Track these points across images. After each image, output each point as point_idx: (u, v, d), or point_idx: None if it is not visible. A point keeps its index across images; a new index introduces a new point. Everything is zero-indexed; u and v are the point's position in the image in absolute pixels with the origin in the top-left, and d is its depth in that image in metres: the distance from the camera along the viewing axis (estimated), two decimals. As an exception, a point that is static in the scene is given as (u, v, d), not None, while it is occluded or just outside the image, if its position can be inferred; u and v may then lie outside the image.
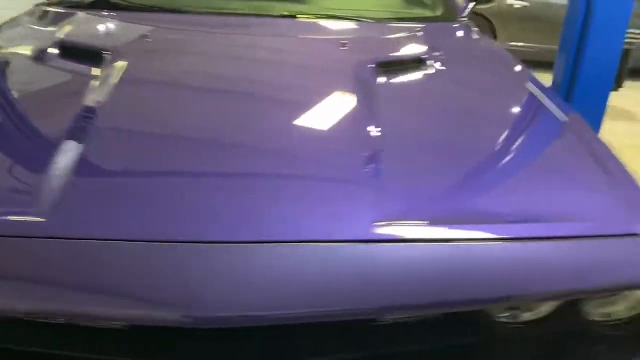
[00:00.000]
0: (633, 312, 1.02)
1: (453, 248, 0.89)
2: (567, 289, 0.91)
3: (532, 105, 1.39)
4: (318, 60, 1.55)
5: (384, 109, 1.21)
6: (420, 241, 0.88)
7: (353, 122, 1.15)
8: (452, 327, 0.96)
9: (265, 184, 0.96)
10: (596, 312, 1.01)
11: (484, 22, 6.98)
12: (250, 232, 0.85)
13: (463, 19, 2.08)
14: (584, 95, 2.56)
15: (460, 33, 1.90)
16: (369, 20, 1.86)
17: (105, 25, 1.71)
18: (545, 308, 1.01)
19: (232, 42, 1.63)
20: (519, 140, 1.19)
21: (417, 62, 1.47)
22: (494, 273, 0.88)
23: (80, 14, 1.76)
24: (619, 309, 1.02)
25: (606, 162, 1.12)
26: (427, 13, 2.12)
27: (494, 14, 7.03)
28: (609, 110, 2.70)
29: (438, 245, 0.89)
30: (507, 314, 1.00)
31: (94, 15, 1.74)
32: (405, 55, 1.55)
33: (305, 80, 1.41)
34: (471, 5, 2.41)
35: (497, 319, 0.99)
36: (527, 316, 1.01)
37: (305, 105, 1.23)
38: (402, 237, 0.87)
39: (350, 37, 1.69)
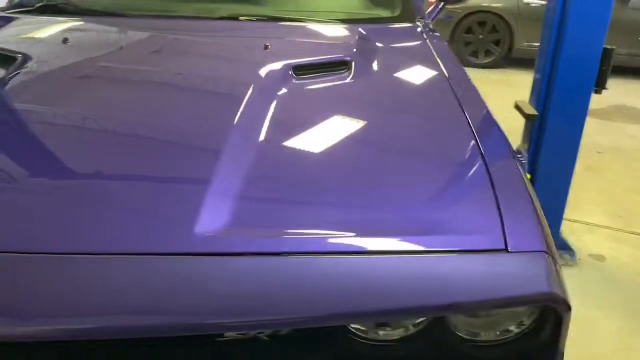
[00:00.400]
0: (504, 335, 0.97)
1: (286, 262, 0.85)
2: (421, 305, 0.86)
3: (436, 114, 1.33)
4: (230, 63, 1.53)
5: (274, 114, 1.18)
6: (253, 254, 0.85)
7: (223, 128, 1.11)
8: (311, 345, 0.92)
9: (95, 193, 0.95)
10: (465, 330, 0.96)
11: (501, 22, 6.84)
12: (70, 243, 0.84)
13: (421, 21, 2.03)
14: (563, 98, 2.46)
15: (404, 35, 1.85)
16: (314, 22, 1.84)
17: (31, 28, 1.74)
18: (413, 326, 0.96)
19: (155, 43, 1.63)
20: (398, 149, 1.15)
21: (334, 66, 1.44)
22: (332, 288, 0.84)
23: (24, 19, 1.81)
24: (489, 330, 0.97)
25: (497, 177, 1.05)
26: (384, 14, 2.07)
27: (511, 13, 6.86)
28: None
29: (270, 258, 0.85)
30: (379, 331, 0.96)
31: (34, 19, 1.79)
32: (324, 58, 1.51)
33: (201, 83, 1.39)
34: (440, 6, 2.35)
35: (362, 337, 0.94)
36: (393, 334, 0.97)
37: (184, 107, 1.21)
38: (230, 251, 0.84)
39: (277, 39, 1.67)
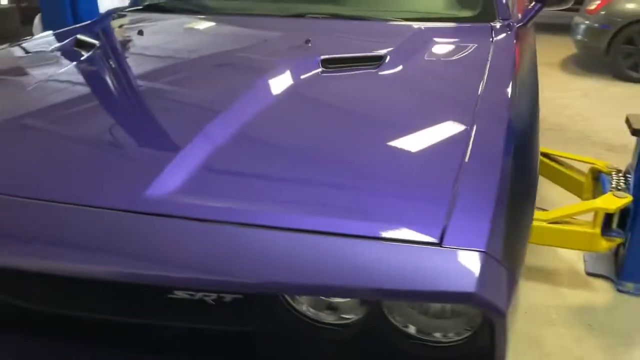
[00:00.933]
0: (446, 337, 0.94)
1: (224, 229, 0.91)
2: (340, 285, 0.87)
3: (436, 116, 1.28)
4: (263, 52, 1.63)
5: (279, 99, 1.25)
6: (192, 219, 0.92)
7: (226, 102, 1.22)
8: (248, 313, 0.98)
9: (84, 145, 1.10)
10: (404, 325, 0.95)
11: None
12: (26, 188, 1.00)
13: (502, 21, 1.95)
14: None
15: (468, 36, 1.79)
16: (380, 20, 1.86)
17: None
18: (355, 313, 0.97)
19: (224, 37, 1.79)
20: (377, 139, 1.14)
21: (366, 60, 1.46)
22: (263, 259, 0.89)
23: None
24: (432, 330, 0.95)
25: (468, 176, 1.02)
26: (462, 14, 2.03)
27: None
28: None
29: (208, 224, 0.92)
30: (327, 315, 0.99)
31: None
32: (358, 54, 1.53)
33: (230, 69, 1.51)
34: (536, 8, 2.22)
35: (311, 319, 0.98)
36: (336, 318, 0.98)
37: (207, 86, 1.37)
38: (168, 213, 0.92)
39: (323, 35, 1.73)
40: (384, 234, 0.89)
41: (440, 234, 0.89)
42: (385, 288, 0.84)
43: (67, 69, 1.62)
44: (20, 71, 1.71)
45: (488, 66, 1.49)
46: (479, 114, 1.22)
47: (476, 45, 1.73)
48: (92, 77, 1.58)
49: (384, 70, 1.45)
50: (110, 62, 1.66)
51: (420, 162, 1.09)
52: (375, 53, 1.54)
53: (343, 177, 1.03)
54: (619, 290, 2.35)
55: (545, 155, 2.81)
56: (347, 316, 0.98)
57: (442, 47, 1.70)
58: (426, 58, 1.58)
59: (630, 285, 2.34)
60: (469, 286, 0.83)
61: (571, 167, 2.75)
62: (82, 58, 1.67)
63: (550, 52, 6.76)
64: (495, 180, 1.00)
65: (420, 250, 0.87)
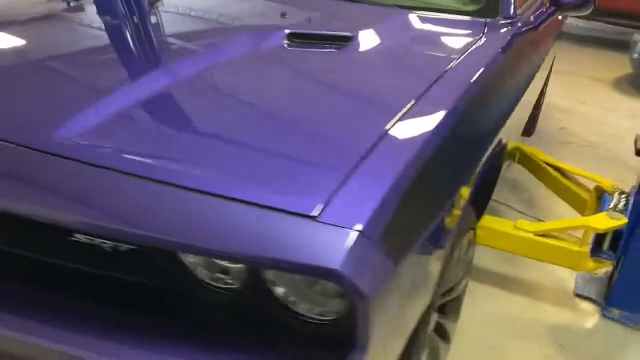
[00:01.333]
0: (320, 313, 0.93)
1: (113, 176, 0.93)
2: (217, 249, 0.88)
3: (381, 98, 1.25)
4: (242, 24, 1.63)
5: (227, 64, 1.25)
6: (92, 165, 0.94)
7: (170, 60, 1.22)
8: (144, 265, 0.99)
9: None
10: (284, 297, 0.95)
11: None
12: None
13: (504, 19, 1.88)
14: None
15: (458, 28, 1.74)
16: (376, 5, 1.83)
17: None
18: (241, 280, 0.98)
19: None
20: (307, 112, 1.12)
21: (333, 39, 1.44)
22: (150, 213, 0.90)
23: None
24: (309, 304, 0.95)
25: (375, 159, 1.00)
26: (465, 7, 1.97)
27: None
28: None
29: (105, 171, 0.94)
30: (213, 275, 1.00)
31: None
32: (328, 33, 1.51)
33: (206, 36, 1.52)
34: (549, 11, 2.14)
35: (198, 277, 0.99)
36: (223, 282, 0.99)
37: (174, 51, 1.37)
38: (71, 156, 0.95)
39: (306, 13, 1.71)
40: (264, 201, 0.88)
41: (320, 209, 0.88)
42: (249, 253, 0.84)
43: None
44: None
45: (457, 60, 1.44)
46: (417, 105, 1.19)
47: (461, 38, 1.68)
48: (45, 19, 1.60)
49: (347, 50, 1.43)
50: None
51: (335, 139, 1.08)
52: (343, 33, 1.52)
53: (251, 142, 1.04)
54: (604, 316, 2.25)
55: (553, 167, 2.71)
56: (231, 281, 0.99)
57: (423, 36, 1.66)
58: (398, 44, 1.54)
59: (616, 312, 2.24)
60: (333, 263, 0.82)
61: (578, 183, 2.64)
62: None
63: (604, 68, 6.47)
64: (399, 167, 0.98)
65: (294, 221, 0.86)
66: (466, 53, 1.50)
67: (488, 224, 2.20)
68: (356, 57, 1.45)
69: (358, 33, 1.53)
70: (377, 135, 1.05)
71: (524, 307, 2.29)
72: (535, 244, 2.15)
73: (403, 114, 1.13)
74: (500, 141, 1.46)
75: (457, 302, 1.77)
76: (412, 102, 1.19)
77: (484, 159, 1.29)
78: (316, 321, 0.95)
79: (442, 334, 1.72)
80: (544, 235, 2.16)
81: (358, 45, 1.46)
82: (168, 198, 0.90)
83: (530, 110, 2.71)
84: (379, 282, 0.85)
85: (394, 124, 1.10)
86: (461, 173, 1.18)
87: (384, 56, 1.49)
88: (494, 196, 2.69)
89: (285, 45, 1.44)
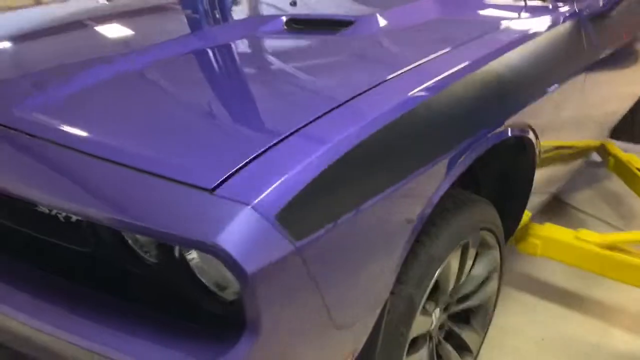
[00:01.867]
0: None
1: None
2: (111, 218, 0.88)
3: (350, 80, 1.17)
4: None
5: (212, 47, 1.26)
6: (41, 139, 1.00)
7: (152, 42, 1.25)
8: (87, 234, 1.03)
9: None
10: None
11: None
12: None
13: (561, 4, 1.70)
14: None
15: (500, 10, 1.59)
16: None
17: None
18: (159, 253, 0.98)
19: None
20: (264, 91, 1.09)
21: (334, 25, 1.39)
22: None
23: None
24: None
25: (295, 143, 0.96)
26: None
27: None
28: None
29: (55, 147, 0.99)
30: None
31: None
32: (328, 17, 1.45)
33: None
34: None
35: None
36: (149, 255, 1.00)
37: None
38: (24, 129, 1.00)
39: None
40: (159, 170, 0.88)
41: (218, 182, 0.85)
42: (137, 223, 0.84)
43: None
44: None
45: (475, 45, 1.32)
46: (372, 92, 1.10)
47: (496, 20, 1.53)
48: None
49: (345, 35, 1.37)
50: None
51: (267, 120, 1.03)
52: (345, 18, 1.45)
53: (181, 120, 1.03)
54: (688, 349, 1.91)
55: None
56: (151, 253, 0.99)
57: (437, 21, 1.53)
58: (406, 29, 1.44)
59: None
60: (215, 237, 0.78)
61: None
62: None
63: None
64: (319, 149, 0.91)
65: (186, 193, 0.85)
66: (507, 37, 1.37)
67: (546, 233, 1.98)
68: (350, 44, 1.37)
69: (361, 18, 1.46)
70: (310, 119, 0.99)
71: (591, 329, 2.01)
72: (599, 258, 1.89)
73: (352, 98, 1.06)
74: (515, 129, 1.30)
75: (482, 311, 1.61)
76: (373, 87, 1.10)
77: (464, 143, 1.15)
78: (225, 300, 0.93)
79: (460, 345, 1.57)
80: (611, 248, 1.89)
81: (357, 30, 1.38)
82: (69, 162, 0.93)
83: (622, 108, 2.40)
84: (268, 261, 0.80)
85: (336, 108, 1.03)
86: (420, 158, 1.06)
87: (381, 44, 1.40)
88: (587, 208, 2.42)
89: (284, 32, 1.42)
